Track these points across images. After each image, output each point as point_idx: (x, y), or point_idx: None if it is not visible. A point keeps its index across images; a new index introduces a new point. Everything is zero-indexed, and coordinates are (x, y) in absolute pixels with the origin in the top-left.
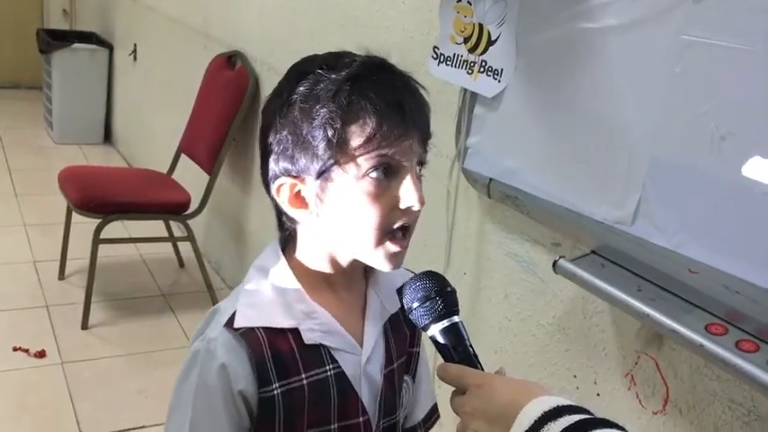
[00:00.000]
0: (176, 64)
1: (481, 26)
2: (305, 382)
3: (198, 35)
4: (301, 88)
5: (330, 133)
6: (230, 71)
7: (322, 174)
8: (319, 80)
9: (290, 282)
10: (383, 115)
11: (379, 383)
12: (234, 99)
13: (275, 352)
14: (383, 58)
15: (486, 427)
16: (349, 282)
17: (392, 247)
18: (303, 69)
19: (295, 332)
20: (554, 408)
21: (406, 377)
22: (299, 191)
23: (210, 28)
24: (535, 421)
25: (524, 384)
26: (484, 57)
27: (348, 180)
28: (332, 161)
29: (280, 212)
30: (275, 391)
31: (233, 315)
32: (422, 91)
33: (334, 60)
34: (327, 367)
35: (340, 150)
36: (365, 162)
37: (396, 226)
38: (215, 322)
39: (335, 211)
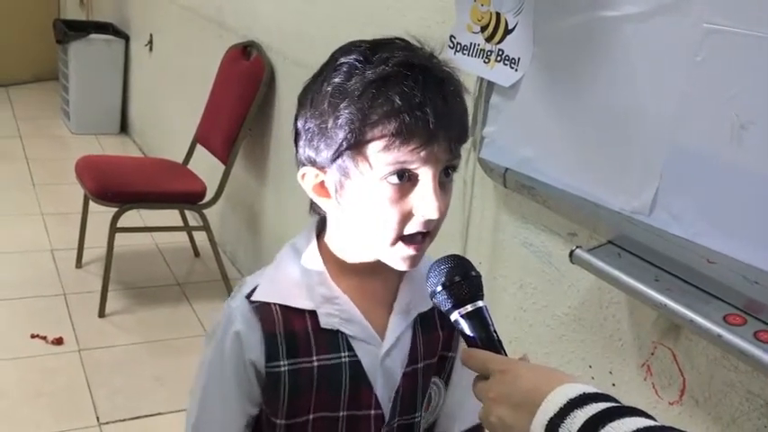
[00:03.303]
0: (192, 54)
1: (498, 15)
2: (315, 364)
3: (213, 25)
4: (336, 79)
5: (350, 134)
6: (245, 61)
7: (340, 170)
8: (352, 74)
9: (316, 264)
10: (405, 121)
11: (398, 380)
12: (249, 89)
13: (288, 330)
14: (424, 54)
15: (510, 414)
16: (381, 273)
17: (406, 249)
18: (341, 58)
19: (313, 314)
20: (580, 395)
21: (435, 379)
22: (323, 181)
23: (226, 18)
24: (561, 408)
25: (550, 371)
26: (501, 46)
27: (365, 181)
28: (349, 161)
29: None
30: (282, 368)
31: (254, 288)
32: (461, 91)
33: (372, 52)
34: (342, 354)
35: (358, 152)
36: (383, 167)
37: (409, 232)
38: (239, 292)
39: (353, 207)
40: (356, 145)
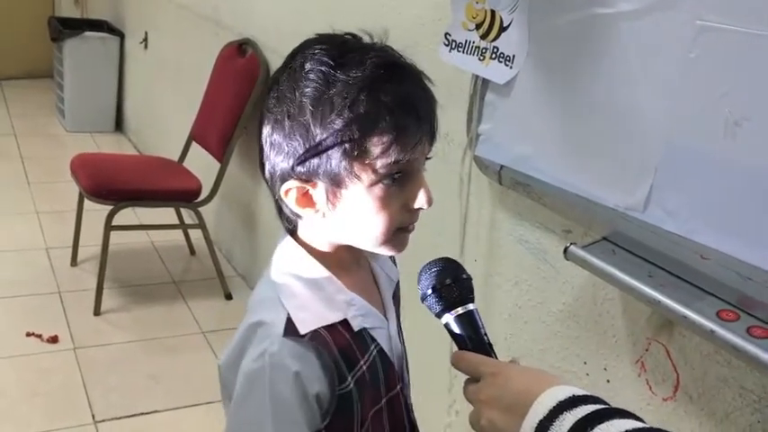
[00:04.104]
0: (187, 52)
1: (493, 12)
2: (364, 367)
3: (209, 23)
4: (308, 89)
5: (347, 144)
6: (241, 59)
7: (333, 180)
8: (330, 81)
9: (320, 271)
10: (400, 124)
11: (401, 348)
12: (245, 87)
13: (340, 347)
14: (392, 54)
15: (501, 416)
16: (358, 259)
17: (401, 236)
18: (306, 63)
19: (344, 323)
20: (569, 397)
21: None
22: (308, 192)
23: (221, 15)
24: (550, 411)
25: (540, 373)
26: (496, 43)
27: (361, 187)
28: (345, 170)
29: (280, 205)
30: (351, 385)
31: (288, 323)
32: (429, 84)
33: (339, 54)
34: (372, 347)
35: (355, 160)
36: (381, 170)
37: (404, 225)
38: (263, 337)
39: (345, 214)
40: (353, 153)
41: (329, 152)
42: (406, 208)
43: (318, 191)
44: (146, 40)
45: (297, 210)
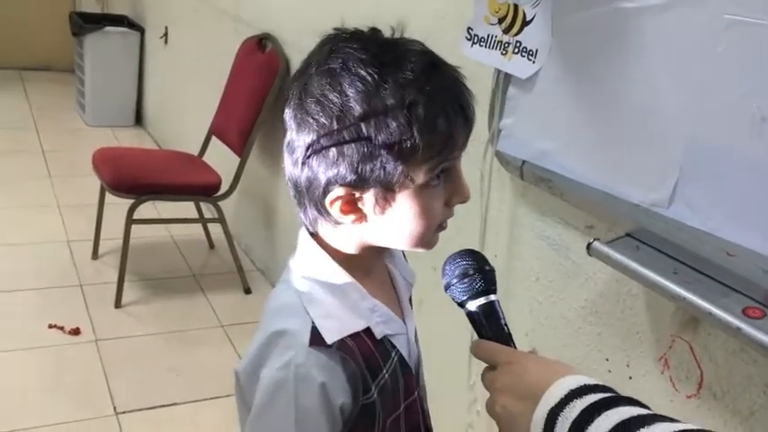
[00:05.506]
0: (207, 47)
1: (516, 6)
2: (387, 376)
3: (229, 18)
4: (354, 91)
5: (406, 147)
6: (261, 54)
7: (387, 185)
8: (378, 82)
9: (343, 277)
10: (453, 123)
11: (417, 353)
12: (264, 82)
13: (364, 356)
14: (430, 50)
15: (515, 404)
16: (378, 261)
17: (437, 234)
18: (348, 64)
19: (367, 331)
20: (580, 386)
21: None
22: (354, 200)
23: (241, 11)
24: (561, 399)
25: (554, 364)
26: (518, 37)
27: (411, 189)
28: (402, 174)
29: (302, 203)
30: (375, 395)
31: (314, 332)
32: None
33: (378, 52)
34: (392, 354)
35: (411, 162)
36: (432, 171)
37: (441, 223)
38: (287, 347)
39: (392, 218)
40: (411, 156)
41: (385, 156)
42: (447, 204)
43: (368, 197)
44: (166, 35)
45: (338, 217)
